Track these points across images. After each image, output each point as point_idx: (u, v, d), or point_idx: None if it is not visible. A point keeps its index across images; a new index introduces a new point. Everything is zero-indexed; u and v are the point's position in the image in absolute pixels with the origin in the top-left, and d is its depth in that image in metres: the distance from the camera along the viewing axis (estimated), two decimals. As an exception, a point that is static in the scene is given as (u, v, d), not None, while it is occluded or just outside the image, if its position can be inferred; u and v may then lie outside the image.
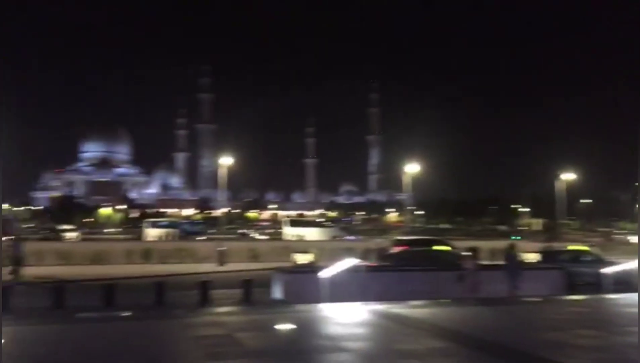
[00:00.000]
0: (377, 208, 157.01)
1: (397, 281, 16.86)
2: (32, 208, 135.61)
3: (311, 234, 56.71)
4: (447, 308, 13.93)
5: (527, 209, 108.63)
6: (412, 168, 39.65)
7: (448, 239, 42.01)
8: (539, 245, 33.22)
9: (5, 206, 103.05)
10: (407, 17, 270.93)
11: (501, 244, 31.31)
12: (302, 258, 28.80)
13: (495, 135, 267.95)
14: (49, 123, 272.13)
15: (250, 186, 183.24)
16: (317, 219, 72.91)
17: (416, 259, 20.54)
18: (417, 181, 68.94)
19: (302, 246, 34.61)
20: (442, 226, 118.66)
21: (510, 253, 17.32)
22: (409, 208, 49.61)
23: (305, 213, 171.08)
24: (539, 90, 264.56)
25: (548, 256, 26.11)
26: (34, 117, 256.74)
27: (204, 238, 56.44)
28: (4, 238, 31.39)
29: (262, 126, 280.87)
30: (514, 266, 16.83)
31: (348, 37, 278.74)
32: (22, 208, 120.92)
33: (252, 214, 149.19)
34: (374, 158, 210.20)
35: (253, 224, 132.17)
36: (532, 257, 27.09)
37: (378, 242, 34.09)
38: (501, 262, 18.29)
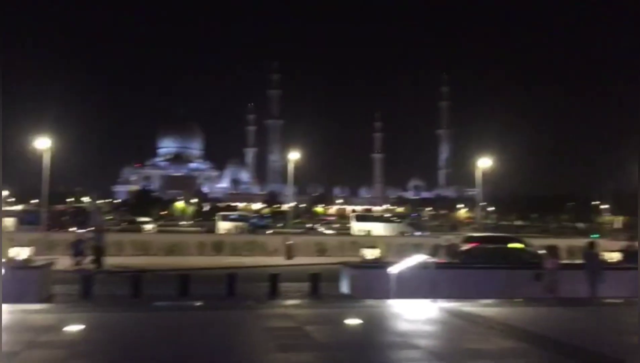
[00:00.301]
0: (446, 203, 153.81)
1: (468, 279, 16.43)
2: (113, 201, 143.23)
3: (378, 229, 56.31)
4: (521, 307, 13.44)
5: (608, 206, 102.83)
6: (484, 163, 38.41)
7: (522, 236, 40.50)
8: (620, 244, 31.35)
9: (87, 199, 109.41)
10: (478, 7, 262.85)
11: (579, 242, 29.85)
12: (369, 253, 28.64)
13: (574, 128, 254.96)
14: (130, 120, 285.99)
15: (318, 181, 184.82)
16: (385, 215, 72.34)
17: (488, 256, 19.93)
18: (489, 176, 66.72)
19: (370, 241, 34.43)
20: (515, 223, 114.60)
21: (590, 252, 16.43)
22: (480, 204, 48.14)
23: (372, 208, 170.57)
24: (620, 80, 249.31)
25: (630, 255, 24.58)
26: (117, 116, 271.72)
27: (272, 231, 57.44)
28: (87, 229, 33.30)
29: (329, 120, 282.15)
30: (594, 266, 15.96)
31: (417, 27, 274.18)
32: (104, 201, 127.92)
33: (319, 208, 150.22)
34: (444, 153, 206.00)
35: (320, 218, 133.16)
36: (614, 256, 25.61)
37: (447, 238, 33.35)
38: (580, 261, 17.40)
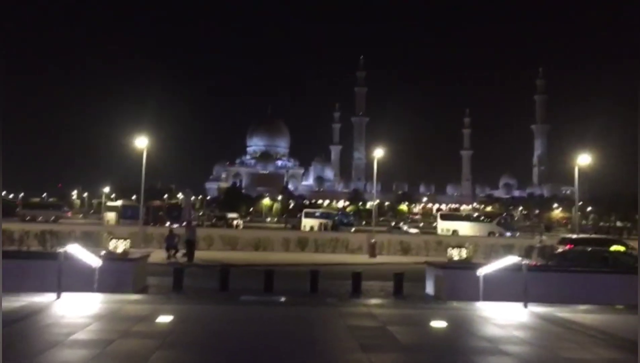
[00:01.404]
0: (540, 202, 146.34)
1: (564, 283, 15.44)
2: (205, 197, 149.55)
3: (465, 229, 54.80)
4: (623, 315, 12.40)
5: None
6: (582, 159, 36.01)
7: (623, 239, 37.66)
8: None
9: (181, 195, 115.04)
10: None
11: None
12: (456, 254, 27.79)
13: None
14: (222, 121, 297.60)
15: (403, 179, 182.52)
16: (473, 214, 70.07)
17: (586, 259, 18.66)
18: (587, 173, 62.66)
19: (456, 240, 33.43)
20: (616, 224, 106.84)
21: None
22: (577, 203, 45.26)
23: (460, 206, 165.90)
24: None
25: None
26: (210, 116, 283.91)
27: (355, 229, 57.40)
28: (180, 224, 34.96)
29: (416, 117, 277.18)
30: None
31: (509, 20, 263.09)
32: (196, 197, 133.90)
33: (403, 207, 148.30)
34: (538, 149, 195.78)
35: (404, 217, 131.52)
36: None
37: (541, 240, 31.68)
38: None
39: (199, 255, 27.06)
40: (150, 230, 33.67)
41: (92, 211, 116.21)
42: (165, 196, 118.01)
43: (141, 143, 32.49)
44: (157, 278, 17.93)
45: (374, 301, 14.02)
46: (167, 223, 43.08)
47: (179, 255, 26.28)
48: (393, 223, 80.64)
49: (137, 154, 34.38)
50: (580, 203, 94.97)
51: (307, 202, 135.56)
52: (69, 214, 77.62)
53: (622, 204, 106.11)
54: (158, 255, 24.80)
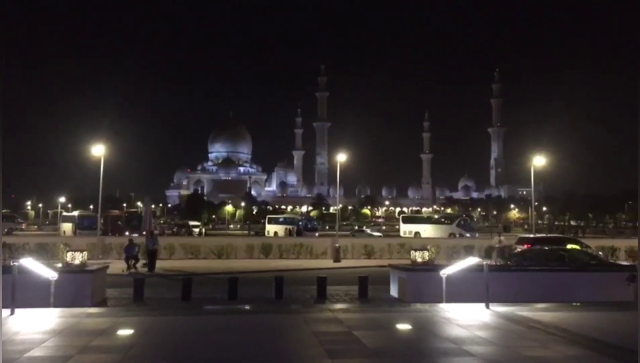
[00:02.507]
0: (498, 204, 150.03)
1: (523, 282, 15.79)
2: (165, 205, 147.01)
3: (427, 231, 55.58)
4: (582, 312, 12.73)
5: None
6: (537, 161, 37.02)
7: (578, 237, 38.88)
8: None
9: (140, 203, 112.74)
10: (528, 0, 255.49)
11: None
12: (419, 256, 28.11)
13: (634, 123, 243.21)
14: (182, 127, 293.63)
15: (365, 183, 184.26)
16: (434, 216, 71.15)
17: (544, 258, 19.14)
18: (542, 175, 64.50)
19: (419, 243, 33.86)
20: (570, 223, 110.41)
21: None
22: (533, 203, 46.52)
23: (421, 209, 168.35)
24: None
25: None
26: (170, 123, 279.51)
27: (319, 234, 57.49)
28: (140, 233, 34.22)
29: (377, 122, 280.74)
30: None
31: (466, 23, 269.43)
32: (156, 206, 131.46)
33: (366, 210, 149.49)
34: (495, 152, 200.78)
35: (368, 220, 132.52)
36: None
37: (500, 240, 32.37)
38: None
39: (160, 264, 26.52)
40: (108, 240, 32.80)
41: (47, 222, 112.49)
42: (124, 204, 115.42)
43: (98, 150, 31.63)
44: (117, 290, 17.46)
45: (339, 306, 14.00)
46: (127, 233, 42.08)
47: (139, 265, 25.70)
48: (356, 227, 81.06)
49: (94, 162, 33.52)
50: (536, 203, 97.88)
51: (270, 208, 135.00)
52: (24, 226, 74.97)
53: (575, 203, 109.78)
54: (118, 266, 24.19)
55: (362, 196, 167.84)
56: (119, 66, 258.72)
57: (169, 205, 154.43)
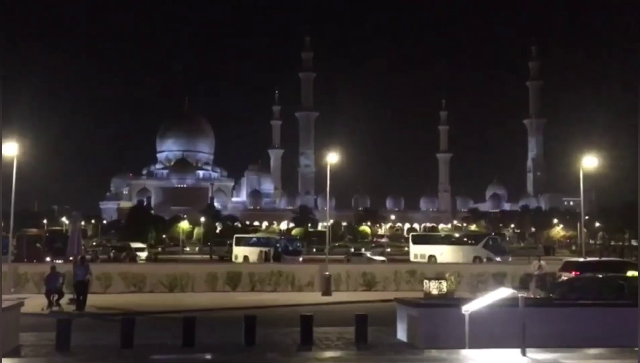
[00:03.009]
0: (537, 218, 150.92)
1: (570, 321, 15.86)
2: (100, 221, 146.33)
3: (445, 254, 55.82)
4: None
5: None
6: (587, 162, 37.16)
7: (641, 261, 39.26)
8: None
9: (66, 220, 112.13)
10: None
11: None
12: (434, 287, 28.22)
13: None
14: (123, 120, 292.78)
15: (364, 192, 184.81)
16: (454, 235, 71.44)
17: (597, 289, 19.27)
18: (595, 180, 64.75)
19: (434, 270, 33.94)
20: (631, 243, 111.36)
21: None
22: (583, 218, 46.82)
23: (437, 225, 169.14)
24: None
25: None
26: (106, 116, 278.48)
27: (302, 259, 57.41)
28: (66, 259, 33.95)
29: (381, 112, 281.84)
30: None
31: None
32: (87, 223, 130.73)
33: (366, 228, 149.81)
34: (533, 150, 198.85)
35: (368, 241, 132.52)
36: None
37: (539, 265, 32.54)
38: None
39: (93, 300, 26.31)
40: (23, 268, 32.49)
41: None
42: (45, 221, 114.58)
43: (9, 149, 31.21)
44: (35, 334, 17.28)
45: (329, 353, 13.98)
46: (48, 258, 41.67)
47: (64, 301, 25.48)
48: (353, 249, 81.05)
49: (4, 165, 33.23)
50: (587, 217, 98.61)
51: (239, 225, 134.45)
52: None
53: (636, 218, 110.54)
54: (36, 302, 23.95)
55: (360, 208, 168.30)
56: (40, 51, 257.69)
57: (105, 221, 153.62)
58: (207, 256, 74.11)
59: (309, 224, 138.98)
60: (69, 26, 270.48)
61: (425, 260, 55.15)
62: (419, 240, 64.42)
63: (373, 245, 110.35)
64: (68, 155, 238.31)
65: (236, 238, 67.37)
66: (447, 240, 63.61)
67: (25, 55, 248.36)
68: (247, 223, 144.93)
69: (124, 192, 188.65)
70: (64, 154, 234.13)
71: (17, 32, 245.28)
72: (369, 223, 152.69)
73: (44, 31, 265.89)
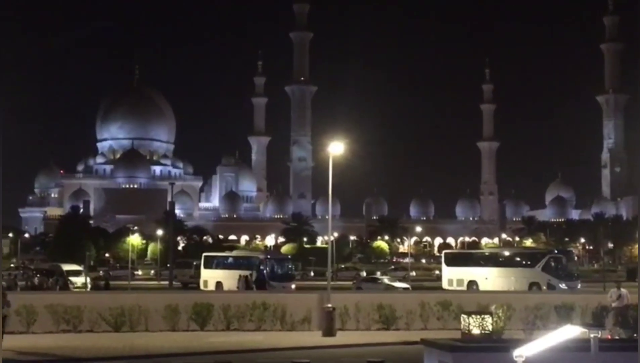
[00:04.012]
0: (616, 230, 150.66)
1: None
2: (19, 234, 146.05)
3: (491, 279, 55.76)
4: None
5: None
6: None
7: None
8: None
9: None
10: None
11: None
12: (475, 323, 28.21)
13: None
14: (48, 100, 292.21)
15: (379, 195, 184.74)
16: (502, 253, 71.35)
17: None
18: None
19: (475, 301, 33.88)
20: None
21: None
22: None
23: (480, 240, 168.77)
24: None
25: None
26: (26, 94, 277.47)
27: (295, 286, 57.40)
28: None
29: (399, 86, 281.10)
30: None
31: None
32: (3, 236, 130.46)
33: (381, 243, 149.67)
34: (610, 137, 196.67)
35: (384, 261, 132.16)
36: None
37: (620, 294, 32.55)
38: None
39: (11, 342, 26.30)
40: None
41: None
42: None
43: None
44: None
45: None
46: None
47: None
48: (364, 273, 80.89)
49: None
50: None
51: (209, 239, 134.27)
52: None
53: None
54: None
55: (375, 217, 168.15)
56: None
57: (27, 235, 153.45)
58: (166, 283, 74.05)
59: (305, 239, 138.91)
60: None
61: (463, 288, 55.05)
62: (455, 260, 64.21)
63: (392, 266, 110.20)
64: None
65: (205, 257, 67.30)
66: (493, 260, 63.43)
67: None
68: (221, 237, 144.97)
69: (52, 195, 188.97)
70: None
71: None
72: (386, 238, 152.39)
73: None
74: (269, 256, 68.32)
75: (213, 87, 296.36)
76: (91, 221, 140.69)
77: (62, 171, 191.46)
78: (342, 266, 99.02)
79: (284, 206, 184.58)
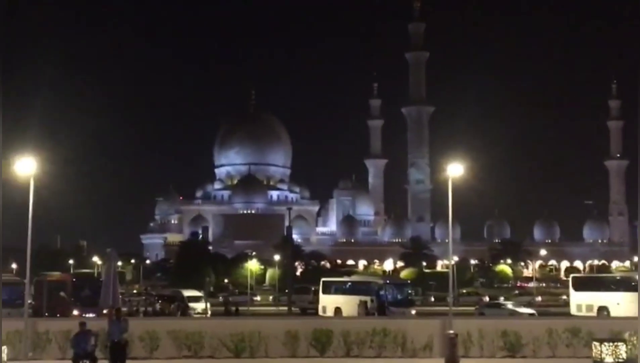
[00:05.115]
0: None
1: None
2: (141, 261, 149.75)
3: (624, 304, 54.18)
4: None
5: None
6: None
7: None
8: None
9: (98, 259, 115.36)
10: None
11: None
12: (609, 352, 27.49)
13: None
14: (167, 129, 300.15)
15: (501, 217, 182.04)
16: (635, 277, 69.32)
17: None
18: None
19: (607, 327, 33.00)
20: None
21: None
22: None
23: (610, 263, 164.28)
24: None
25: None
26: (146, 124, 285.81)
27: (415, 311, 57.05)
28: (98, 313, 34.92)
29: (516, 109, 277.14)
30: None
31: None
32: (125, 263, 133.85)
33: (505, 267, 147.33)
34: None
35: (508, 286, 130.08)
36: None
37: None
38: None
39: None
40: (44, 325, 33.56)
41: None
42: (71, 262, 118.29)
43: (25, 166, 32.45)
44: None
45: None
46: (75, 312, 42.95)
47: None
48: (487, 298, 79.79)
49: (19, 189, 34.49)
50: None
51: (327, 264, 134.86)
52: None
53: None
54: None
55: (497, 240, 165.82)
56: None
57: (148, 261, 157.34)
58: (285, 308, 74.66)
59: (424, 263, 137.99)
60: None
61: (593, 313, 53.73)
62: (584, 284, 62.78)
63: (516, 291, 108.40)
64: (98, 175, 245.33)
65: (324, 283, 67.61)
66: (625, 284, 61.56)
67: (36, 53, 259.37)
68: (339, 262, 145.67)
69: (172, 221, 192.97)
70: (93, 174, 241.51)
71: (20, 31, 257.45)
72: (509, 261, 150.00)
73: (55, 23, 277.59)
74: (388, 281, 68.18)
75: (328, 110, 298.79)
76: (210, 247, 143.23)
77: (181, 198, 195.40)
78: (464, 291, 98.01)
79: (402, 229, 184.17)
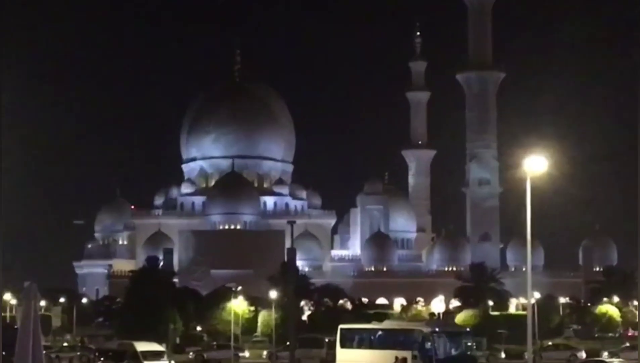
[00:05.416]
0: None
1: None
2: (77, 299, 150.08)
3: None
4: None
5: None
6: None
7: None
8: None
9: (11, 299, 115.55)
10: None
11: None
12: None
13: None
14: (118, 110, 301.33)
15: (603, 234, 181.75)
16: None
17: None
18: None
19: None
20: None
21: None
22: None
23: None
24: None
25: None
26: (86, 102, 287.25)
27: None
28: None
29: (616, 81, 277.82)
30: None
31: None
32: (51, 302, 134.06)
33: (609, 308, 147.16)
34: None
35: (616, 335, 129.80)
36: None
37: None
38: None
39: None
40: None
41: None
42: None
43: None
44: None
45: None
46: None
47: None
48: (583, 354, 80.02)
49: None
50: None
51: (348, 304, 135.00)
52: None
53: None
54: None
55: (598, 268, 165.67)
56: None
57: (84, 300, 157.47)
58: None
59: (491, 303, 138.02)
60: None
61: None
62: None
63: (627, 344, 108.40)
64: (11, 176, 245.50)
65: (343, 331, 67.79)
66: None
67: None
68: (364, 300, 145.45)
69: (120, 242, 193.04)
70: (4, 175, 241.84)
71: None
72: (616, 299, 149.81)
73: None
74: (437, 329, 68.34)
75: (347, 78, 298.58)
76: (175, 280, 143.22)
77: (133, 207, 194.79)
78: (549, 343, 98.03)
79: (458, 253, 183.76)
